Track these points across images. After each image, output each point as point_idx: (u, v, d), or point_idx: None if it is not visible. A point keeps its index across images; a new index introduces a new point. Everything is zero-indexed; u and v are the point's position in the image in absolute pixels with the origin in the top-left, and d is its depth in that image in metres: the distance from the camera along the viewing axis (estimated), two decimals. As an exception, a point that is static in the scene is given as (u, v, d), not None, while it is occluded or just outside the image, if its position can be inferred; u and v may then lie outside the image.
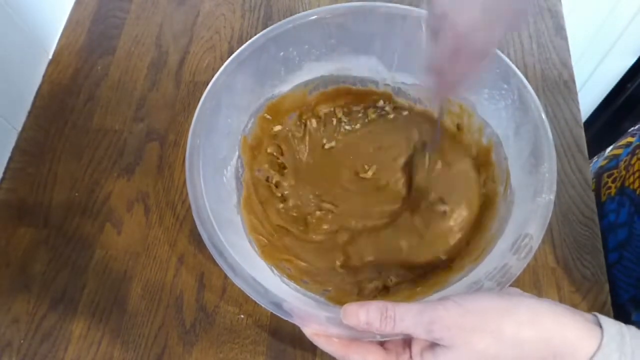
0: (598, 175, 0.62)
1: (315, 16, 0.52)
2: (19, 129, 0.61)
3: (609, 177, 0.60)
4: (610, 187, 0.59)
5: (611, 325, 0.32)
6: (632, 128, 0.65)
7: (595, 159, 0.68)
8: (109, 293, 0.53)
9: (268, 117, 0.56)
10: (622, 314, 0.54)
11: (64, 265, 0.54)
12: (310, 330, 0.38)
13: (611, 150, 0.65)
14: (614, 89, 1.16)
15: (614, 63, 1.13)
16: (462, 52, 0.38)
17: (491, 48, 0.39)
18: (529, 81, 0.49)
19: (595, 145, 0.71)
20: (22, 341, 0.51)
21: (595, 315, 0.34)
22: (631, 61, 1.10)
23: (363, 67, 0.57)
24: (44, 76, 0.65)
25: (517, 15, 0.39)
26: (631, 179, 0.55)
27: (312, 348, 0.50)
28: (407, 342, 0.36)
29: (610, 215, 0.57)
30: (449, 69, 0.40)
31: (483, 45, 0.38)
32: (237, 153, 0.53)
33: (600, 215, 0.56)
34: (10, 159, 0.60)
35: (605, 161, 0.63)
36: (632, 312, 0.54)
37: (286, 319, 0.39)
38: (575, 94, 0.63)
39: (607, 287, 0.52)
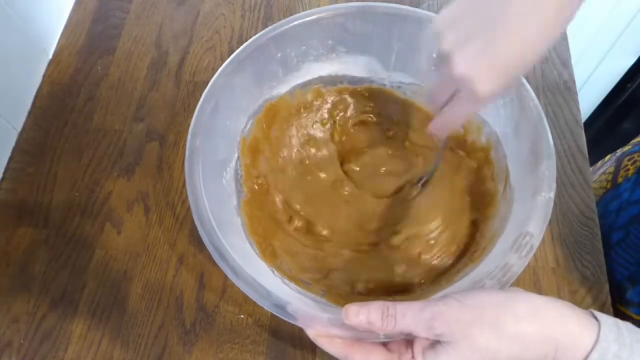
0: (619, 159, 0.62)
1: (314, 16, 0.52)
2: (19, 129, 0.61)
3: (629, 160, 0.60)
4: (628, 169, 0.59)
5: (607, 318, 0.33)
6: None
7: (618, 151, 0.68)
8: (109, 293, 0.53)
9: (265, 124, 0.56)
10: (618, 292, 0.54)
11: (64, 265, 0.54)
12: (314, 332, 0.38)
13: (638, 138, 0.65)
14: (614, 89, 1.16)
15: (614, 63, 1.13)
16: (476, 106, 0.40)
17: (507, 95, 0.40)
18: (528, 81, 0.49)
19: (595, 146, 0.71)
20: (22, 341, 0.51)
21: (591, 311, 0.34)
22: (631, 61, 1.10)
23: (361, 68, 0.56)
24: (44, 76, 0.65)
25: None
26: None
27: (312, 348, 0.50)
28: (409, 342, 0.36)
29: (624, 194, 0.57)
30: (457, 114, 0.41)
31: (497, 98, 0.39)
32: (236, 155, 0.53)
33: (613, 197, 0.56)
34: (10, 159, 0.60)
35: (629, 147, 0.64)
36: (628, 289, 0.54)
37: (290, 321, 0.39)
38: (575, 94, 0.63)
39: (607, 287, 0.52)
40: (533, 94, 0.48)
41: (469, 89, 0.36)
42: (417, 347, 0.35)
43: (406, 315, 0.34)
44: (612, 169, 0.62)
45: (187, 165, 0.45)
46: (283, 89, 0.56)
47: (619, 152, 0.67)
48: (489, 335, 0.32)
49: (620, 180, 0.59)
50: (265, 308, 0.40)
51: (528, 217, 0.43)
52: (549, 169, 0.45)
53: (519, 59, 0.35)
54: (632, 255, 0.54)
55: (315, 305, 0.45)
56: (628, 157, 0.61)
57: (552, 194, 0.43)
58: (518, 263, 0.41)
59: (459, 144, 0.56)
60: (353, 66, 0.56)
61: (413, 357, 0.35)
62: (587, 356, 0.31)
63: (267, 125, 0.56)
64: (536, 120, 0.47)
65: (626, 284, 0.55)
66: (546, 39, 0.35)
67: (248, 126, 0.54)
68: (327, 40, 0.54)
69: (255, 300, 0.40)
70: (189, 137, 0.47)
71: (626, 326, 0.32)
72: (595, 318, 0.33)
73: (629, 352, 0.31)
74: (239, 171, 0.53)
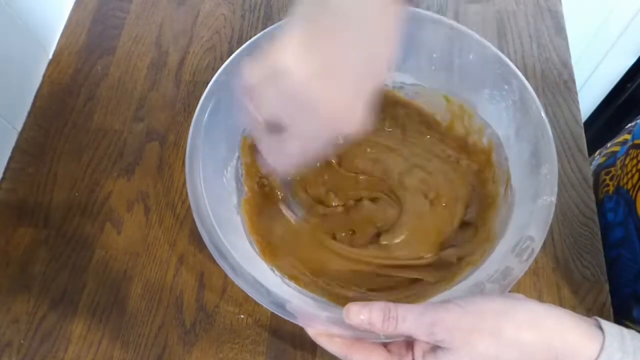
0: (597, 172, 0.62)
1: None
2: (19, 129, 0.61)
3: (606, 174, 0.60)
4: (608, 185, 0.59)
5: (611, 326, 0.33)
6: (629, 124, 0.65)
7: (596, 155, 0.67)
8: (109, 293, 0.53)
9: None
10: (623, 309, 0.55)
11: (64, 265, 0.54)
12: (314, 331, 0.38)
13: (610, 147, 0.65)
14: (614, 89, 1.16)
15: (614, 63, 1.13)
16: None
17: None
18: (529, 81, 0.49)
19: (595, 146, 0.71)
20: (22, 341, 0.51)
21: (596, 319, 0.34)
22: (631, 61, 1.10)
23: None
24: (44, 76, 0.65)
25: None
26: (625, 179, 0.55)
27: (312, 348, 0.50)
28: (410, 344, 0.36)
29: (608, 214, 0.57)
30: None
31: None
32: (237, 153, 0.52)
33: (599, 213, 0.56)
34: (10, 159, 0.60)
35: (604, 158, 0.63)
36: (633, 307, 0.54)
37: (290, 320, 0.39)
38: (575, 94, 0.63)
39: (607, 287, 0.52)
40: (536, 97, 0.48)
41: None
42: (418, 350, 0.35)
43: (407, 319, 0.33)
44: (590, 173, 0.62)
45: (188, 163, 0.45)
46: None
47: (597, 157, 0.66)
48: (489, 343, 0.32)
49: (601, 196, 0.59)
50: (264, 306, 0.40)
51: (529, 220, 0.43)
52: (550, 172, 0.44)
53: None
54: (629, 273, 0.54)
55: (315, 305, 0.45)
56: (605, 171, 0.61)
57: (553, 198, 0.43)
58: (519, 267, 0.41)
59: (460, 147, 0.56)
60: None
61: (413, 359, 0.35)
62: None
63: None
64: (538, 123, 0.47)
65: (630, 301, 0.54)
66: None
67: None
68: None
69: (254, 299, 0.40)
70: (189, 134, 0.46)
71: (630, 334, 0.32)
72: (600, 326, 0.33)
73: None
74: (239, 170, 0.53)
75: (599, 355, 0.31)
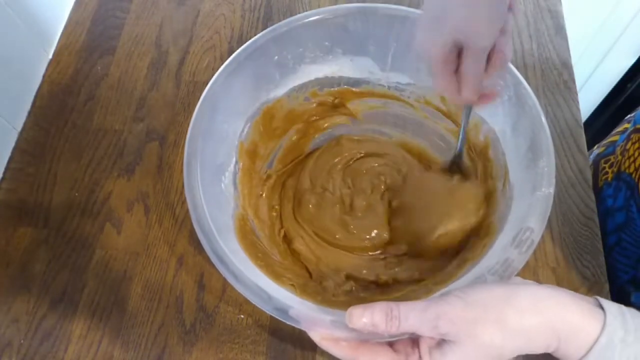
0: (596, 162, 0.63)
1: (314, 18, 0.52)
2: (19, 129, 0.61)
3: (605, 162, 0.61)
4: (607, 173, 0.59)
5: (611, 305, 0.33)
6: (629, 115, 0.65)
7: (595, 149, 0.68)
8: (109, 293, 0.53)
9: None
10: (622, 295, 0.55)
11: (64, 265, 0.54)
12: (318, 335, 0.37)
13: (608, 138, 0.65)
14: (614, 89, 1.16)
15: (614, 63, 1.13)
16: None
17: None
18: (528, 81, 0.49)
19: (595, 145, 0.71)
20: (22, 341, 0.51)
21: (596, 298, 0.34)
22: (631, 61, 1.10)
23: (357, 69, 0.56)
24: (44, 76, 0.65)
25: None
26: (627, 164, 0.55)
27: (313, 348, 0.50)
28: (415, 342, 0.36)
29: (607, 200, 0.57)
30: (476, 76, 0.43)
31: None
32: (234, 159, 0.52)
33: (597, 200, 0.56)
34: (10, 159, 0.60)
35: (603, 148, 0.64)
36: (632, 292, 0.54)
37: (293, 325, 0.39)
38: (575, 94, 0.63)
39: (607, 287, 0.52)
40: (531, 92, 0.48)
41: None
42: (424, 347, 0.35)
43: (410, 317, 0.33)
44: (590, 172, 0.62)
45: (186, 170, 0.45)
46: (280, 91, 0.55)
47: (595, 150, 0.66)
48: (493, 332, 0.32)
49: (601, 184, 0.59)
50: (267, 312, 0.40)
51: (528, 212, 0.43)
52: (548, 165, 0.44)
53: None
54: (629, 258, 0.54)
55: (317, 308, 0.45)
56: (604, 159, 0.61)
57: (551, 190, 0.43)
58: (519, 258, 0.41)
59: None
60: (350, 67, 0.56)
61: (420, 357, 0.35)
62: (594, 343, 0.31)
63: (264, 128, 0.55)
64: (534, 117, 0.47)
65: (628, 287, 0.55)
66: None
67: (245, 130, 0.54)
68: (324, 42, 0.54)
69: (256, 305, 0.40)
70: (187, 141, 0.46)
71: (630, 312, 0.33)
72: (600, 305, 0.33)
73: (633, 337, 0.31)
74: (237, 175, 0.52)
75: (601, 333, 0.31)
